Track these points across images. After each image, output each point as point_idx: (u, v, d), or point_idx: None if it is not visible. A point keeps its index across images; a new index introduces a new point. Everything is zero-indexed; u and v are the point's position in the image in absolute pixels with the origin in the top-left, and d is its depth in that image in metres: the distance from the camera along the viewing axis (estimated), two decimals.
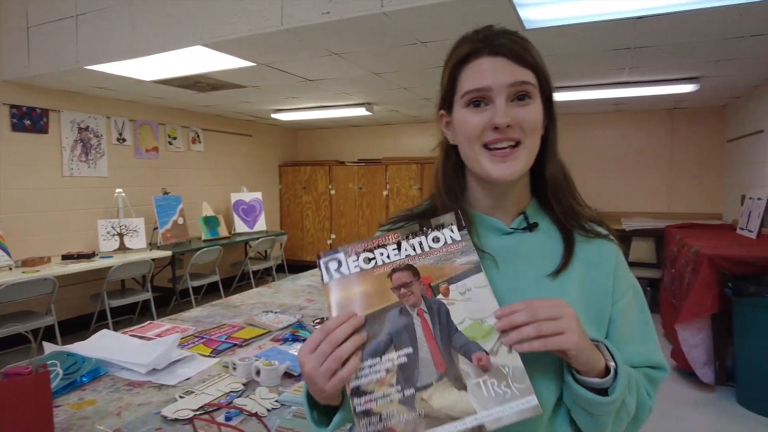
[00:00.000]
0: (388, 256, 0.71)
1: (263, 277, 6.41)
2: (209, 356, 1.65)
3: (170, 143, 5.49)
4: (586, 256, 0.78)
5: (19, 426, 1.01)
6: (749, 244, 3.63)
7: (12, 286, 3.32)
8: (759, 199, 4.01)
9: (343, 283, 0.70)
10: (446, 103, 0.78)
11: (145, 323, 2.04)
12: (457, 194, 0.81)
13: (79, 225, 4.50)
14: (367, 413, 0.62)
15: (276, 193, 7.34)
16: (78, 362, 1.54)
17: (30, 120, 4.08)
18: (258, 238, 5.80)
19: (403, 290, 0.68)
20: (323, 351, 0.62)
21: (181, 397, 1.34)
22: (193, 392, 1.36)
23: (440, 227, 0.72)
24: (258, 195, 6.37)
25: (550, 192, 0.80)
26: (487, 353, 0.63)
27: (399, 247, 0.71)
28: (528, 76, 0.72)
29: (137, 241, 4.63)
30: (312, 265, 3.56)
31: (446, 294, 0.68)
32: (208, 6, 2.78)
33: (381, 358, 0.64)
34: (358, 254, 0.71)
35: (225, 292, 5.30)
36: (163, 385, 1.44)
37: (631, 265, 4.99)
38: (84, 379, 1.49)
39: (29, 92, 4.06)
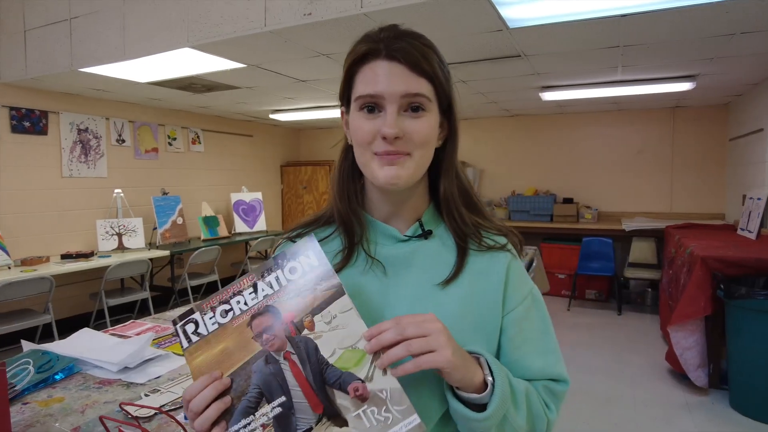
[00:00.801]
0: (245, 303, 0.66)
1: None
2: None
3: (170, 144, 5.55)
4: (478, 266, 0.76)
5: None
6: (747, 245, 3.57)
7: (9, 285, 3.39)
8: (759, 199, 3.95)
9: (203, 346, 0.65)
10: (344, 100, 0.76)
11: (128, 322, 2.07)
12: (350, 197, 0.78)
13: (79, 225, 4.57)
14: None
15: (278, 193, 7.38)
16: (52, 360, 1.56)
17: (29, 122, 4.15)
18: (258, 238, 5.84)
19: (265, 336, 0.64)
20: (190, 417, 0.61)
21: (146, 395, 1.36)
22: (159, 390, 1.38)
23: (295, 256, 0.68)
24: (258, 195, 6.41)
25: (443, 206, 0.78)
26: (362, 381, 0.61)
27: (256, 289, 0.66)
28: (423, 87, 0.69)
29: (136, 240, 4.68)
30: None
31: (311, 328, 0.64)
32: (194, 8, 2.81)
33: (255, 414, 0.61)
34: (213, 309, 0.66)
35: None
36: (131, 383, 1.46)
37: (632, 266, 4.96)
38: (57, 377, 1.52)
39: (28, 94, 4.13)
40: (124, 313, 4.80)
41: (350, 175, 0.79)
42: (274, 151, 7.31)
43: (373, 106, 0.70)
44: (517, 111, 5.93)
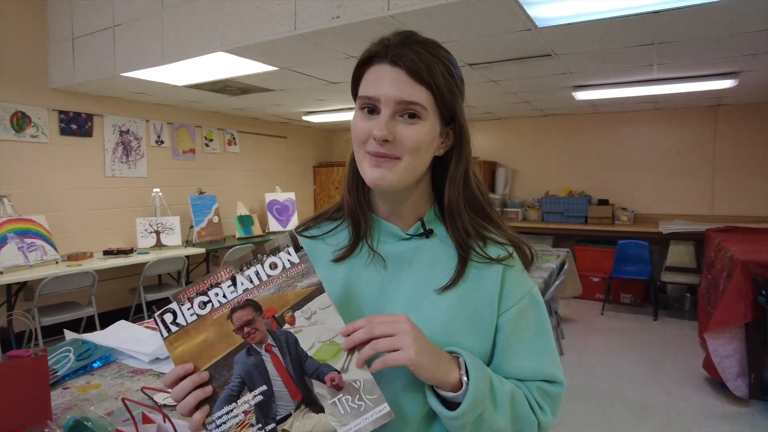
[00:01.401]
0: (224, 296, 0.67)
1: None
2: None
3: (207, 145, 5.72)
4: (477, 268, 0.76)
5: (18, 402, 1.11)
6: None
7: (57, 279, 3.58)
8: None
9: (183, 336, 0.67)
10: (354, 97, 0.78)
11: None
12: (358, 192, 0.81)
13: (120, 223, 4.78)
14: None
15: (310, 193, 7.50)
16: (91, 349, 1.65)
17: (76, 124, 4.37)
18: None
19: (246, 329, 0.66)
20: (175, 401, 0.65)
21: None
22: None
23: (276, 251, 0.69)
24: (291, 195, 6.53)
25: (446, 214, 0.78)
26: (338, 372, 0.65)
27: (234, 283, 0.68)
28: (420, 95, 0.69)
29: (173, 238, 4.85)
30: None
31: (292, 323, 0.67)
32: (228, 13, 2.90)
33: (237, 402, 0.65)
34: (191, 300, 0.68)
35: None
36: (162, 373, 1.54)
37: (669, 269, 4.80)
38: (95, 365, 1.61)
39: (75, 98, 4.35)
40: (154, 314, 4.97)
41: (359, 172, 0.80)
42: (307, 152, 7.44)
43: (371, 107, 0.72)
44: (550, 110, 5.83)
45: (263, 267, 0.68)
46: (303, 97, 4.77)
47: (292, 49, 3.00)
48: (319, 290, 0.67)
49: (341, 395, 0.65)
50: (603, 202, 5.77)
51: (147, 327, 1.98)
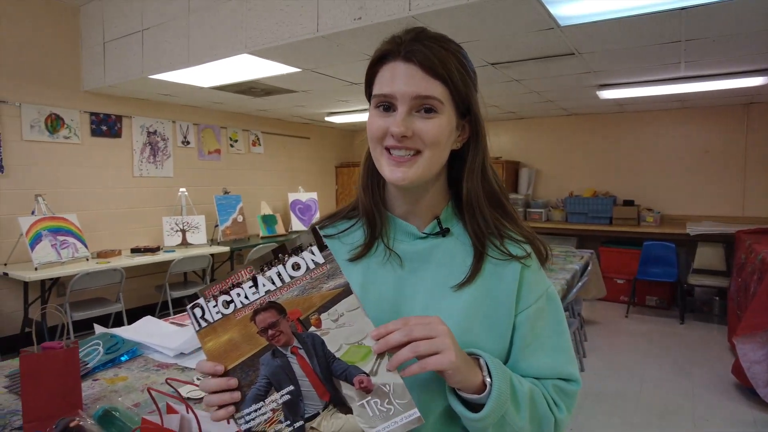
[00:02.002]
0: (246, 296, 0.66)
1: None
2: None
3: (231, 146, 5.83)
4: (493, 267, 0.76)
5: (51, 391, 1.16)
6: None
7: (87, 275, 3.70)
8: None
9: (211, 333, 0.67)
10: (368, 98, 0.78)
11: (186, 312, 2.21)
12: (373, 191, 0.81)
13: (147, 221, 4.90)
14: None
15: (332, 193, 7.56)
16: (119, 343, 1.71)
17: (106, 125, 4.50)
18: None
19: (270, 332, 0.65)
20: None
21: (198, 379, 1.46)
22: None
23: (298, 251, 0.67)
24: (314, 195, 6.60)
25: (465, 207, 0.78)
26: (367, 375, 0.64)
27: (256, 284, 0.66)
28: (436, 89, 0.70)
29: (198, 236, 4.96)
30: None
31: (318, 325, 0.65)
32: (251, 16, 2.96)
33: (264, 401, 0.65)
34: (215, 298, 0.67)
35: None
36: (186, 367, 1.58)
37: (696, 272, 4.67)
38: (123, 358, 1.66)
39: (105, 100, 4.48)
40: (186, 305, 5.08)
41: (374, 171, 0.80)
42: (329, 153, 7.50)
43: (388, 105, 0.72)
44: (574, 110, 5.75)
45: (285, 268, 0.66)
46: (325, 98, 4.81)
47: (315, 51, 3.03)
48: (346, 292, 0.66)
49: (370, 398, 0.63)
50: (628, 203, 5.66)
51: (172, 323, 2.03)
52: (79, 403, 1.21)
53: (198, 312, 0.67)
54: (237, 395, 0.64)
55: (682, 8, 2.31)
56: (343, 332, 0.65)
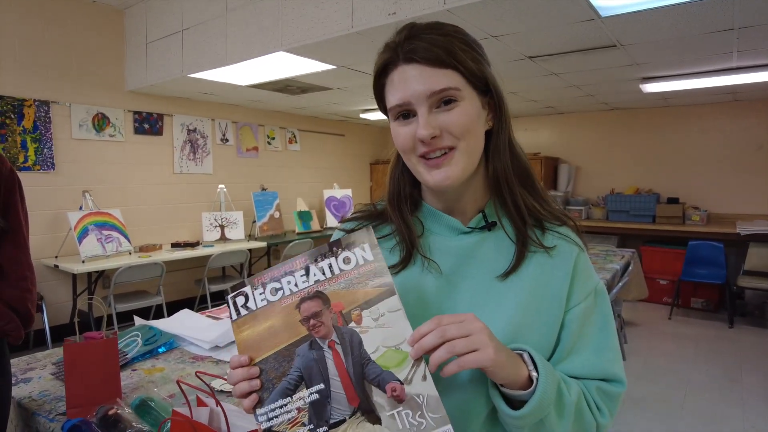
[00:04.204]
0: (296, 284, 0.67)
1: None
2: None
3: (269, 143, 5.92)
4: (543, 258, 0.73)
5: (92, 379, 1.20)
6: None
7: (130, 269, 3.84)
8: None
9: (250, 321, 0.67)
10: (385, 113, 0.75)
11: (223, 306, 2.26)
12: (401, 199, 0.79)
13: (187, 217, 5.04)
14: None
15: (367, 190, 7.58)
16: (156, 335, 1.76)
17: (148, 124, 4.65)
18: None
19: (312, 321, 0.65)
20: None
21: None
22: None
23: (351, 246, 0.67)
24: (348, 192, 6.64)
25: (499, 186, 0.74)
26: (401, 383, 0.61)
27: (307, 273, 0.67)
28: (449, 79, 0.67)
29: (236, 232, 5.07)
30: None
31: (359, 321, 0.64)
32: (287, 14, 2.98)
33: (292, 397, 0.63)
34: (264, 285, 0.67)
35: None
36: (220, 360, 1.61)
37: (747, 274, 4.45)
38: (161, 350, 1.71)
39: (147, 99, 4.64)
40: (224, 299, 5.21)
41: (402, 177, 0.79)
42: (364, 150, 7.53)
43: (406, 112, 0.69)
44: (616, 104, 5.55)
45: (337, 260, 0.67)
46: (360, 95, 4.82)
47: (350, 47, 3.03)
48: (390, 291, 0.65)
49: (401, 408, 0.60)
50: (673, 201, 5.44)
51: (209, 316, 2.08)
52: (118, 391, 1.24)
53: (240, 300, 0.68)
54: (256, 383, 0.64)
55: None
56: (381, 333, 0.64)
